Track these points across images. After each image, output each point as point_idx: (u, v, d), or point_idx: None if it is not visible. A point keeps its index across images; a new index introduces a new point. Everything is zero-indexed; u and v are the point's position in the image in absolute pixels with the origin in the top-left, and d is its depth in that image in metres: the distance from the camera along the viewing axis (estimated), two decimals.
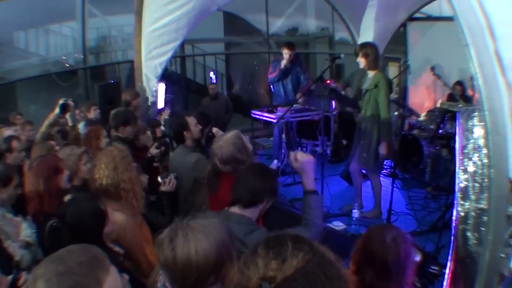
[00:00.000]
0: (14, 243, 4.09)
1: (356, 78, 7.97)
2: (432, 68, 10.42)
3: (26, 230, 4.33)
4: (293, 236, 1.80)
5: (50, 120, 6.83)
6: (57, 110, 7.01)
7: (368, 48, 7.47)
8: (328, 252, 1.78)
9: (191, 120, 6.07)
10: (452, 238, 4.30)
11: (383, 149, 7.23)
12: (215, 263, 2.36)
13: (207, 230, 2.41)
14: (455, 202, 4.25)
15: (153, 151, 6.65)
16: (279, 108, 9.54)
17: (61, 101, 7.13)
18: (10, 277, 3.16)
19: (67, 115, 7.13)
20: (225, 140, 4.71)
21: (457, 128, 4.25)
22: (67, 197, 4.24)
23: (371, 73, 7.38)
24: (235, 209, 3.64)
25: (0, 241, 3.82)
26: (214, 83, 12.95)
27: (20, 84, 14.24)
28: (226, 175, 4.74)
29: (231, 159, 4.63)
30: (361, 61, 7.30)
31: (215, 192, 4.81)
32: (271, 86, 10.73)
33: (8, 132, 7.02)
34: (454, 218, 4.26)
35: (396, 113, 10.47)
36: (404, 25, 12.20)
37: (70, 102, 7.12)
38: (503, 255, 3.66)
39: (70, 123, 7.12)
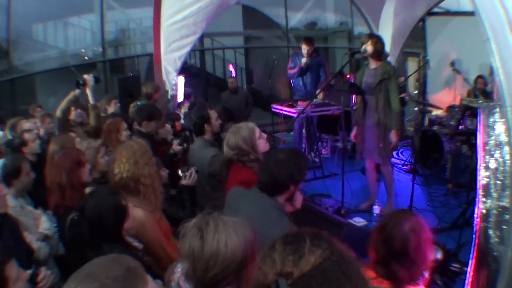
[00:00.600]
0: (31, 235, 4.08)
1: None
2: (452, 64, 10.33)
3: (45, 223, 4.33)
4: (311, 233, 1.77)
5: (69, 97, 6.75)
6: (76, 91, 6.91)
7: (377, 37, 7.44)
8: (347, 250, 1.75)
9: (213, 114, 6.11)
10: (474, 236, 4.22)
11: (394, 137, 7.13)
12: (240, 261, 2.35)
13: (238, 226, 2.41)
14: (477, 199, 4.18)
15: (176, 147, 6.59)
16: (299, 103, 9.50)
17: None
18: (29, 272, 3.11)
19: (88, 91, 6.93)
20: (237, 128, 4.90)
21: (478, 124, 4.17)
22: (87, 190, 4.23)
23: (375, 64, 7.27)
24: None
25: (19, 233, 3.79)
26: (233, 77, 12.89)
27: (39, 76, 14.31)
28: (234, 165, 4.87)
29: (235, 147, 4.78)
30: (369, 48, 7.15)
31: (225, 180, 4.91)
32: (291, 81, 10.67)
33: (27, 124, 7.00)
34: (475, 215, 4.18)
35: (416, 108, 10.37)
36: (423, 19, 12.08)
37: (88, 77, 6.95)
38: None
39: (91, 101, 6.92)
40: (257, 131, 4.93)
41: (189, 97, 10.97)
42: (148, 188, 4.17)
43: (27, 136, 6.04)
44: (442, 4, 11.54)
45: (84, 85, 6.76)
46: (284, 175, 3.56)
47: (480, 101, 7.77)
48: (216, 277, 2.33)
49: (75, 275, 1.86)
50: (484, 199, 4.06)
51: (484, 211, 4.07)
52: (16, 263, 2.69)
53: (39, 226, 4.32)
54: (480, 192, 4.12)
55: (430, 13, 11.76)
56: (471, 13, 10.47)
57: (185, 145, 6.66)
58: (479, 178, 4.14)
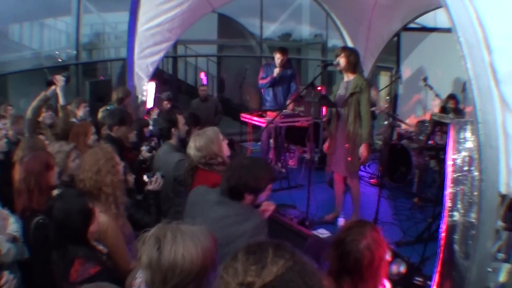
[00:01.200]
0: (1, 235, 4.06)
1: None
2: (425, 79, 10.41)
3: (13, 224, 4.30)
4: (274, 243, 1.80)
5: (40, 97, 6.64)
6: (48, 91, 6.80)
7: (350, 51, 7.52)
8: (310, 261, 1.78)
9: (181, 119, 6.15)
10: (438, 250, 4.29)
11: (364, 151, 7.22)
12: (199, 271, 2.35)
13: (196, 236, 2.41)
14: (443, 213, 4.24)
15: (145, 154, 6.60)
16: (268, 113, 9.51)
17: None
18: None
19: (58, 90, 6.74)
20: (202, 131, 5.03)
21: (448, 140, 4.24)
22: (55, 192, 4.22)
23: (349, 77, 7.37)
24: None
25: None
26: (205, 84, 12.89)
27: (12, 77, 14.19)
28: (200, 171, 4.95)
29: (203, 148, 4.88)
30: (341, 61, 7.25)
31: (190, 187, 4.86)
32: (261, 91, 10.70)
33: None
34: (441, 230, 4.25)
35: (386, 122, 10.46)
36: (398, 34, 12.20)
37: (59, 77, 6.83)
38: (490, 270, 3.65)
39: (61, 101, 6.81)
40: (220, 135, 5.06)
41: (169, 100, 10.96)
42: (109, 196, 4.20)
43: None
44: (418, 20, 11.68)
45: (52, 84, 6.66)
46: (240, 183, 3.66)
47: (451, 117, 7.87)
48: (174, 287, 2.34)
49: None
50: (450, 213, 4.13)
51: (450, 225, 4.14)
52: None
53: (7, 227, 4.31)
54: (446, 206, 4.19)
55: (405, 28, 11.88)
56: (447, 30, 10.58)
57: (154, 152, 6.66)
58: (446, 192, 4.21)
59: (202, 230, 2.47)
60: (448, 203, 4.18)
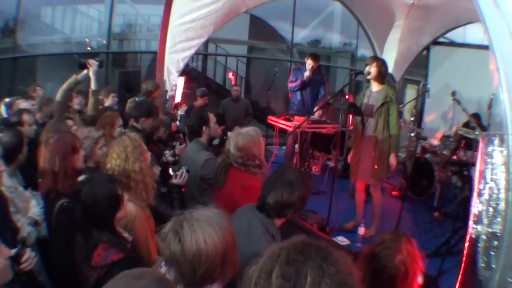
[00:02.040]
0: (23, 218, 4.06)
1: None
2: (453, 93, 10.34)
3: (35, 208, 4.31)
4: (315, 266, 1.69)
5: (71, 80, 6.47)
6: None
7: (381, 61, 7.50)
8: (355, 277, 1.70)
9: (212, 117, 6.05)
10: (461, 260, 4.29)
11: (393, 160, 7.29)
12: (223, 251, 2.38)
13: (212, 219, 2.43)
14: (468, 224, 4.23)
15: (169, 158, 6.45)
16: (296, 117, 9.46)
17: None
18: (13, 251, 3.10)
19: (91, 74, 6.54)
20: (245, 130, 4.87)
21: (478, 152, 4.23)
22: (80, 178, 4.21)
23: (377, 87, 7.38)
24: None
25: (7, 212, 3.77)
26: (238, 84, 12.91)
27: (41, 59, 14.27)
28: (234, 170, 4.83)
29: (245, 148, 4.75)
30: (372, 70, 7.26)
31: (221, 187, 4.84)
32: (289, 95, 10.67)
33: (24, 104, 6.96)
34: (465, 241, 4.24)
35: (412, 134, 10.39)
36: (427, 48, 12.16)
37: (92, 61, 6.51)
38: (510, 280, 3.63)
39: (93, 86, 6.68)
40: (261, 137, 4.98)
41: (205, 95, 10.98)
42: (139, 183, 4.14)
43: (25, 117, 6.00)
44: (448, 35, 11.65)
45: (85, 67, 6.51)
46: (289, 201, 3.52)
47: (477, 133, 7.82)
48: (205, 274, 2.34)
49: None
50: (474, 226, 4.12)
51: (474, 236, 4.12)
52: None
53: (29, 209, 4.31)
54: (472, 217, 4.17)
55: (435, 42, 11.84)
56: (476, 46, 10.61)
57: (177, 157, 6.62)
58: (472, 203, 4.19)
59: (215, 212, 2.50)
60: (473, 213, 4.16)
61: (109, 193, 3.38)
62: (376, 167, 7.35)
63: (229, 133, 5.84)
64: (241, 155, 4.78)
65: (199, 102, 10.80)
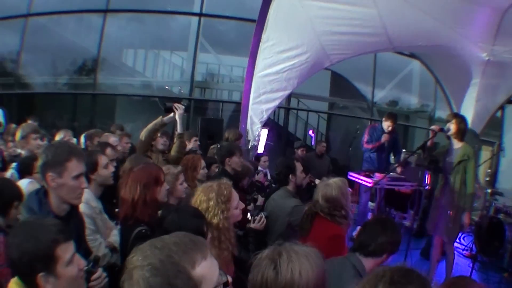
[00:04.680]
0: (102, 239, 4.15)
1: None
2: None
3: (116, 236, 4.39)
4: None
5: (157, 121, 6.65)
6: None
7: (461, 118, 7.43)
8: None
9: (299, 166, 6.07)
10: None
11: (467, 218, 7.13)
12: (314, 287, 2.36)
13: (309, 255, 2.43)
14: None
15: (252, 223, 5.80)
16: (376, 174, 9.41)
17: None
18: (85, 266, 3.13)
19: (177, 117, 6.62)
20: (333, 181, 4.88)
21: None
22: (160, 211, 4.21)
23: (457, 144, 7.30)
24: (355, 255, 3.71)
25: (83, 234, 3.82)
26: (324, 141, 13.01)
27: (120, 99, 14.64)
28: (320, 219, 4.82)
29: (333, 199, 4.76)
30: (452, 127, 7.20)
31: (307, 235, 4.81)
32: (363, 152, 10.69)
33: (112, 139, 7.11)
34: None
35: (489, 190, 10.19)
36: (502, 107, 11.98)
37: (178, 105, 6.64)
38: None
39: (179, 129, 6.74)
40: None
41: (303, 148, 11.35)
42: (214, 240, 3.90)
43: (109, 152, 5.90)
44: None
45: (171, 110, 6.63)
46: (387, 242, 3.67)
47: None
48: None
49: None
50: None
51: None
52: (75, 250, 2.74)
53: (110, 236, 4.40)
54: None
55: (510, 101, 11.66)
56: None
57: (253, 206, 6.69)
58: None
59: (314, 251, 2.49)
60: None
61: (195, 227, 3.28)
62: (450, 225, 7.24)
63: (317, 181, 5.84)
64: (328, 206, 4.78)
65: (300, 152, 11.16)
